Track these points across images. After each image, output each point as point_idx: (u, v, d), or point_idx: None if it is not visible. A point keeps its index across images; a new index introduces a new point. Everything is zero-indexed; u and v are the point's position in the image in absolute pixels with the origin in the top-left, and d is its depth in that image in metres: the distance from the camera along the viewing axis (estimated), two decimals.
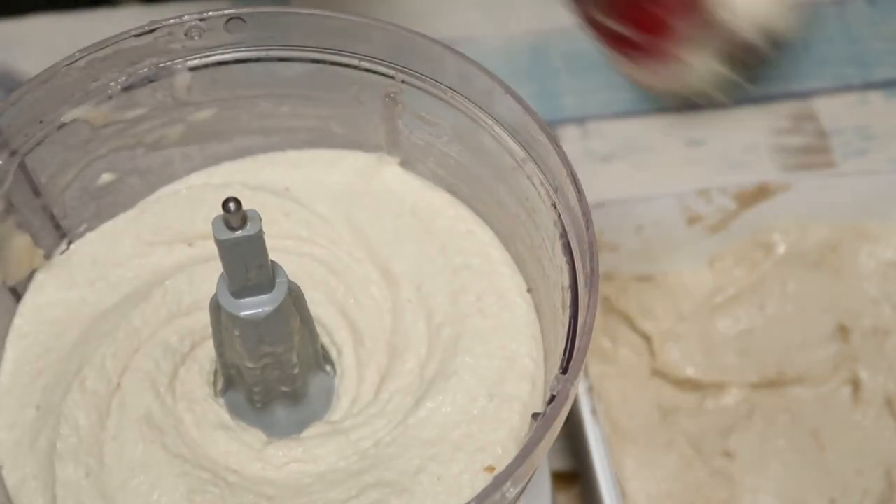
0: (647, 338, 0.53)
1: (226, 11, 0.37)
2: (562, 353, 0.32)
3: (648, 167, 0.62)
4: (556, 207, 0.35)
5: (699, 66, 0.56)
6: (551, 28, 0.67)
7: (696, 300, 0.54)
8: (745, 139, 0.63)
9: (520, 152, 0.36)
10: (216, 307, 0.34)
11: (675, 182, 0.61)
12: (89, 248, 0.40)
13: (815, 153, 0.63)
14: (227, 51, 0.38)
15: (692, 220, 0.53)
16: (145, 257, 0.40)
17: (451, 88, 0.37)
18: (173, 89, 0.39)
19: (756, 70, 0.60)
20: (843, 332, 0.52)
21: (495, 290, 0.38)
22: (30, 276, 0.39)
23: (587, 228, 0.33)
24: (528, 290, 0.38)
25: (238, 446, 0.36)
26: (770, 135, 0.63)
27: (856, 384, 0.51)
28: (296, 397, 0.37)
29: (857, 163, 0.62)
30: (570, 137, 0.63)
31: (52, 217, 0.39)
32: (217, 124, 0.41)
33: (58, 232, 0.40)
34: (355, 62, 0.38)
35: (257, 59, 0.38)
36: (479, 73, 0.36)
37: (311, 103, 0.40)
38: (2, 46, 0.65)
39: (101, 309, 0.39)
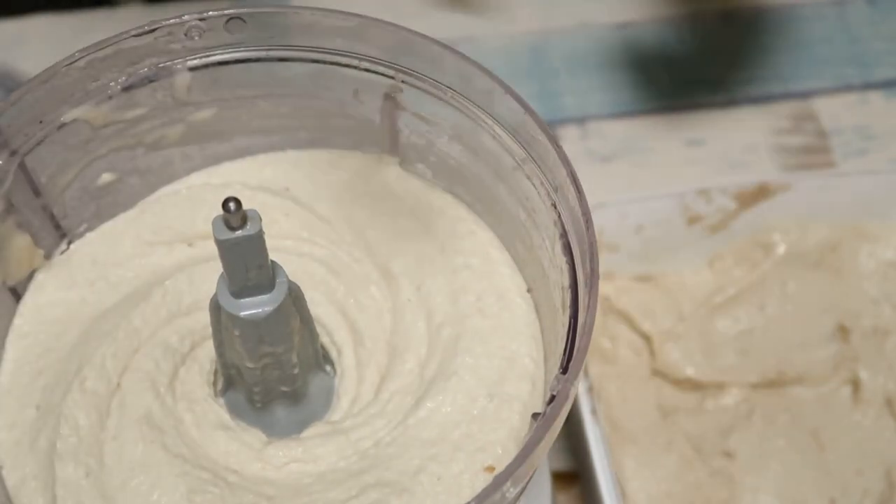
0: (646, 338, 0.53)
1: (226, 11, 0.37)
2: (562, 353, 0.32)
3: (648, 167, 0.62)
4: (555, 207, 0.35)
5: None
6: (551, 28, 0.67)
7: (696, 300, 0.54)
8: (745, 139, 0.63)
9: (520, 152, 0.36)
10: (216, 307, 0.34)
11: (675, 182, 0.61)
12: (89, 248, 0.40)
13: (815, 153, 0.63)
14: (227, 51, 0.38)
15: (692, 220, 0.53)
16: (145, 257, 0.40)
17: (450, 88, 0.37)
18: (173, 89, 0.39)
19: None
20: (843, 332, 0.52)
21: (495, 290, 0.38)
22: (30, 276, 0.39)
23: (587, 228, 0.33)
24: (528, 290, 0.38)
25: (238, 446, 0.36)
26: (770, 135, 0.63)
27: (856, 384, 0.51)
28: (296, 397, 0.37)
29: (857, 163, 0.62)
30: (570, 137, 0.63)
31: (52, 217, 0.39)
32: (217, 124, 0.41)
33: (58, 232, 0.40)
34: (355, 62, 0.38)
35: (257, 59, 0.38)
36: (479, 73, 0.36)
37: (311, 103, 0.40)
38: (2, 46, 0.65)
39: (101, 309, 0.39)
